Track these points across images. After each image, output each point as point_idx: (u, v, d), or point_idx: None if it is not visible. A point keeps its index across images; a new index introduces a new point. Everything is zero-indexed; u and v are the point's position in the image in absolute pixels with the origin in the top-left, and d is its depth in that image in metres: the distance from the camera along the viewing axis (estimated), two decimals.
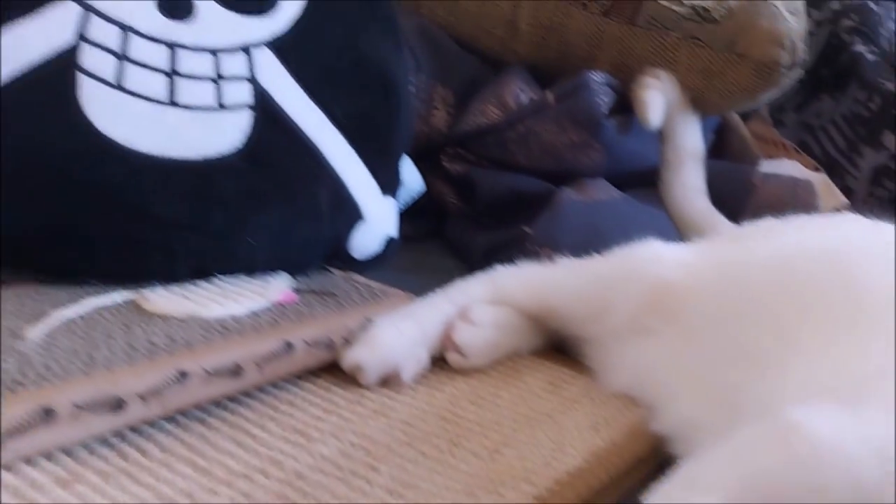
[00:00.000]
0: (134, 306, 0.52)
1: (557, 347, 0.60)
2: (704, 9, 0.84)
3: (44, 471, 0.38)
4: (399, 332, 0.54)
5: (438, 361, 0.56)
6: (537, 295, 0.58)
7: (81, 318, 0.49)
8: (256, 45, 0.60)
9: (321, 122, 0.63)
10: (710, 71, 0.85)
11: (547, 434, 0.48)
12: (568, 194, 0.81)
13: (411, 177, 0.80)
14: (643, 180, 0.87)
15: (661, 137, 0.83)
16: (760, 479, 0.32)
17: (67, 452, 0.40)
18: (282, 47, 0.62)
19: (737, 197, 0.87)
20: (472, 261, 0.88)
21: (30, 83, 0.51)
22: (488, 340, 0.56)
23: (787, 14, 0.83)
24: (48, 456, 0.39)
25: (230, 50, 0.59)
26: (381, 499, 0.40)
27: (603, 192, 0.82)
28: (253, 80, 0.60)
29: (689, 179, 0.82)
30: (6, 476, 0.37)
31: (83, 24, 0.54)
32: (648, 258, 0.55)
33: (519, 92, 0.90)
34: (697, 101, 0.86)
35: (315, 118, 0.62)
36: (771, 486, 0.31)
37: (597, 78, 0.84)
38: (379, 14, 0.71)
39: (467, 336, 0.55)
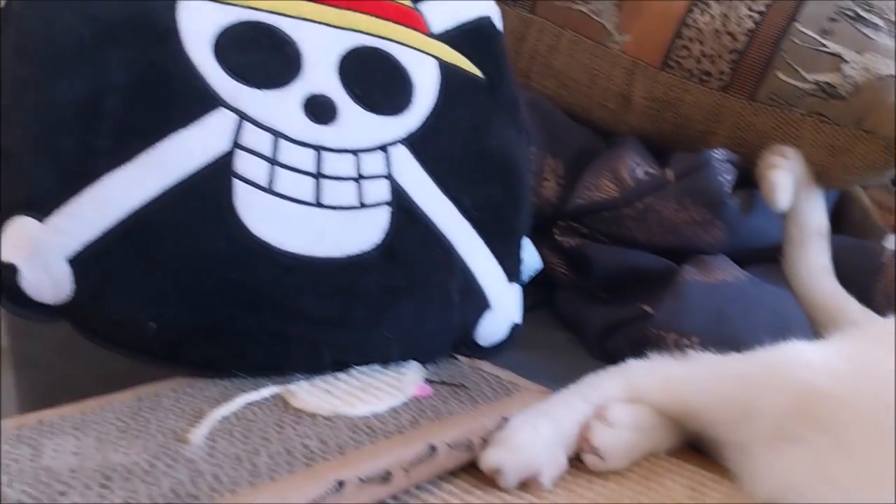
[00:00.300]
0: (281, 401, 0.54)
1: (695, 446, 0.59)
2: (829, 84, 0.82)
3: None
4: (536, 433, 0.54)
5: (573, 461, 0.55)
6: (675, 395, 0.57)
7: (236, 416, 0.51)
8: (393, 143, 0.63)
9: (452, 213, 0.64)
10: (836, 147, 0.83)
11: None
12: (691, 275, 0.80)
13: (530, 255, 0.81)
14: (766, 256, 0.85)
15: (784, 213, 0.82)
16: None
17: None
18: (415, 143, 0.64)
19: (864, 277, 0.84)
20: (587, 336, 0.88)
21: (190, 189, 0.54)
22: (626, 442, 0.55)
23: None
24: None
25: (370, 149, 0.61)
26: None
27: (726, 271, 0.81)
28: (390, 177, 0.62)
29: (814, 258, 0.80)
30: None
31: (238, 131, 0.57)
32: (795, 362, 0.54)
33: (634, 166, 0.89)
34: (821, 175, 0.84)
35: (446, 211, 0.64)
36: None
37: (718, 156, 0.83)
38: (502, 101, 0.73)
39: (605, 438, 0.55)
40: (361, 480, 0.46)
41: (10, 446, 0.44)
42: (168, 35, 0.58)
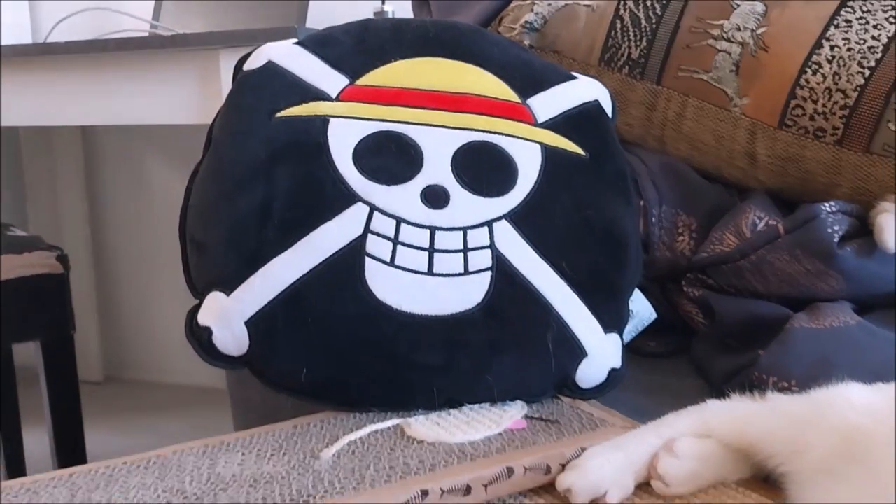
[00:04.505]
0: (399, 431, 0.68)
1: (767, 479, 0.64)
2: None
3: None
4: (607, 460, 0.63)
5: (645, 487, 0.64)
6: (737, 430, 0.63)
7: (362, 440, 0.66)
8: (497, 219, 0.76)
9: (549, 276, 0.75)
10: None
11: None
12: (799, 321, 0.84)
13: (642, 306, 0.89)
14: (888, 301, 0.86)
15: None
16: None
17: None
18: (516, 218, 0.76)
19: None
20: (712, 383, 0.93)
21: (331, 267, 0.71)
22: (690, 471, 0.63)
23: None
24: None
25: (476, 226, 0.75)
26: None
27: (837, 317, 0.83)
28: (492, 248, 0.75)
29: None
30: None
31: (369, 219, 0.73)
32: (842, 403, 0.59)
33: (756, 220, 0.95)
34: None
35: (544, 274, 0.75)
36: None
37: (828, 207, 0.87)
38: (608, 175, 0.83)
39: (669, 467, 0.62)
40: (443, 491, 0.58)
41: (196, 458, 0.62)
42: (320, 150, 0.76)
